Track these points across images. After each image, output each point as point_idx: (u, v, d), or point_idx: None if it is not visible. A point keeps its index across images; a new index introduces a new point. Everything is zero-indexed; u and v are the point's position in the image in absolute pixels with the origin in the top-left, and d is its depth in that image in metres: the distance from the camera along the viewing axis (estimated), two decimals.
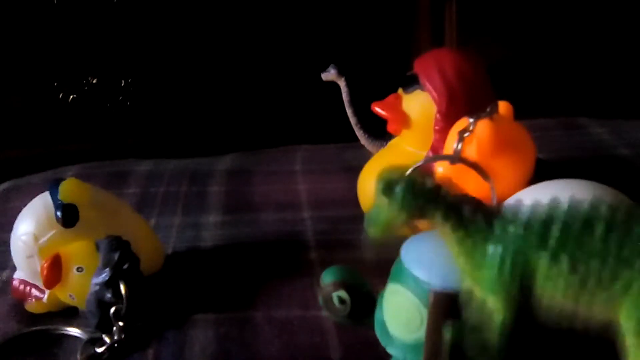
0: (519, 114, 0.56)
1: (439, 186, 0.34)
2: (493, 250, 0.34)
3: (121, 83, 1.37)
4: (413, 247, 0.42)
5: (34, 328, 0.51)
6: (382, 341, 0.43)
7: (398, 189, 0.34)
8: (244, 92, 1.42)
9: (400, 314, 0.41)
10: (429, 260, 0.40)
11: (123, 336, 0.49)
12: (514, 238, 0.34)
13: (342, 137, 0.77)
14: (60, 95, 1.35)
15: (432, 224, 0.35)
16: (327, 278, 0.45)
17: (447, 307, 0.38)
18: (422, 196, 0.34)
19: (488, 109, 0.52)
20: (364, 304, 0.44)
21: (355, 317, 0.44)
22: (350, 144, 0.76)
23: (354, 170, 0.64)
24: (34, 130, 1.36)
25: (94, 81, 1.36)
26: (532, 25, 1.40)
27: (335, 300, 0.44)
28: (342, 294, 0.44)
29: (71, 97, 1.36)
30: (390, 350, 0.43)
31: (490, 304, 0.34)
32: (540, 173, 0.56)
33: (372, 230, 0.35)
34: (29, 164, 0.90)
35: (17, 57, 1.32)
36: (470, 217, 0.34)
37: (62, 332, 0.51)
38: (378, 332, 0.44)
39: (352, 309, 0.44)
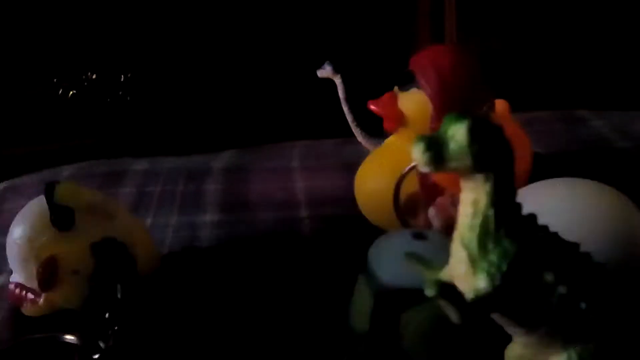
0: (519, 108, 0.55)
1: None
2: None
3: (121, 78, 1.37)
4: (382, 243, 0.43)
5: (29, 336, 0.51)
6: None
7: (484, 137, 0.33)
8: (240, 88, 1.41)
9: (357, 302, 0.43)
10: (388, 257, 0.41)
11: (119, 339, 0.49)
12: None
13: (340, 133, 0.76)
14: (60, 91, 1.35)
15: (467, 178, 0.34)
16: None
17: (390, 303, 0.38)
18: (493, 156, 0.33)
19: (485, 108, 0.52)
20: None
21: None
22: (348, 139, 0.76)
23: (352, 167, 0.64)
24: (33, 126, 1.36)
25: (94, 77, 1.36)
26: (531, 19, 1.39)
27: None
28: None
29: (71, 92, 1.35)
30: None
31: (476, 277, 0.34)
32: (539, 169, 0.56)
33: (425, 157, 0.33)
34: (29, 160, 0.90)
35: (16, 53, 1.31)
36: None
37: (58, 338, 0.50)
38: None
39: None
